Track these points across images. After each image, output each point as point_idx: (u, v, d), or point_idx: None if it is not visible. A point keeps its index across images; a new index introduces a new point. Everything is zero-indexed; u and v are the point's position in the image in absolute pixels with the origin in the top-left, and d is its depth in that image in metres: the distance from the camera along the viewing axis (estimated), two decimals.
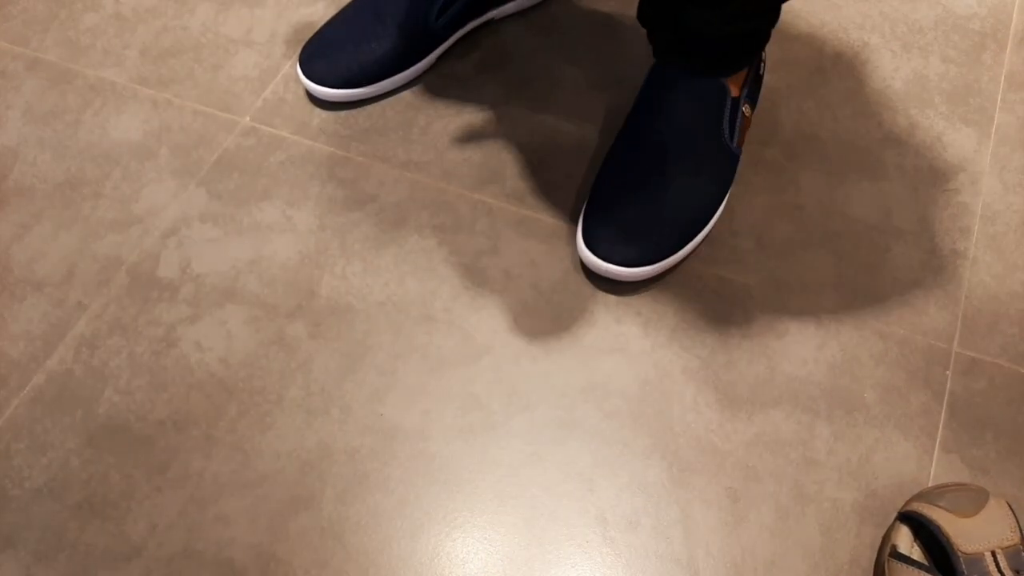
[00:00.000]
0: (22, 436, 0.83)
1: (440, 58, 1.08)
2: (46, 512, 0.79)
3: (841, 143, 1.00)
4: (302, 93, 1.06)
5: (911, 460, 0.81)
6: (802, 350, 0.87)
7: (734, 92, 0.93)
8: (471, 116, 1.04)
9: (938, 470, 0.80)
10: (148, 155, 1.02)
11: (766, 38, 0.92)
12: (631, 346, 0.87)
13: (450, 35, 1.06)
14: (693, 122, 0.91)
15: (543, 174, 0.99)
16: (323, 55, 1.02)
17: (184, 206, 0.97)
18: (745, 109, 0.94)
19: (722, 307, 0.90)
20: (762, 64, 0.97)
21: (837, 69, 1.07)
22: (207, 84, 1.07)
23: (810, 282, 0.91)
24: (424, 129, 1.03)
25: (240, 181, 0.99)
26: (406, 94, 1.06)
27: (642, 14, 0.92)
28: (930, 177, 0.98)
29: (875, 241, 0.93)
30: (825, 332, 0.88)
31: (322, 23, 1.09)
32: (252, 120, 1.04)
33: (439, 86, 1.06)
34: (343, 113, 1.04)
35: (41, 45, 1.12)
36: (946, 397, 0.84)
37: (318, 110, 1.05)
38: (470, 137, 1.02)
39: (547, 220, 0.96)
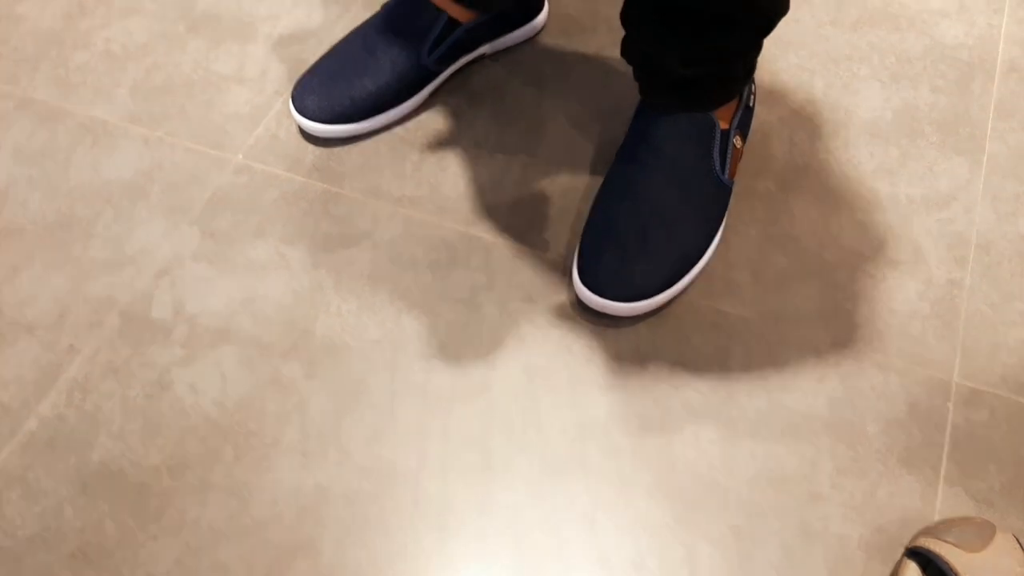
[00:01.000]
0: (14, 484, 0.80)
1: (433, 93, 1.06)
2: (39, 563, 0.76)
3: (833, 174, 0.99)
4: (295, 130, 1.04)
5: (916, 494, 0.79)
6: (802, 383, 0.85)
7: (723, 125, 0.91)
8: (465, 151, 1.02)
9: (943, 504, 0.78)
10: (140, 194, 0.99)
11: (751, 70, 0.91)
12: (630, 382, 0.85)
13: (443, 71, 1.04)
14: (683, 156, 0.89)
15: (537, 208, 0.97)
16: (316, 91, 1.00)
17: (177, 245, 0.95)
18: (736, 141, 0.92)
19: (721, 341, 0.88)
20: (752, 95, 0.95)
21: (828, 100, 1.05)
22: (199, 121, 1.05)
23: (807, 314, 0.89)
24: (417, 165, 1.01)
25: (233, 219, 0.97)
26: (399, 130, 1.04)
27: (625, 51, 0.91)
28: (923, 207, 0.96)
29: (871, 272, 0.91)
30: (824, 365, 0.86)
31: (314, 59, 1.07)
32: (245, 157, 1.01)
33: (432, 121, 1.04)
34: (336, 149, 1.02)
35: (31, 84, 1.09)
36: (948, 429, 0.82)
37: (311, 147, 1.03)
38: (464, 172, 1.00)
39: (542, 255, 0.94)
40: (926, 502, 0.78)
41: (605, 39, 1.12)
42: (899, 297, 0.90)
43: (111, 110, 1.07)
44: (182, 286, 0.92)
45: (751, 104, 0.95)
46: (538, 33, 1.11)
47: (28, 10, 1.17)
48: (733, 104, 0.92)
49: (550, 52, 1.11)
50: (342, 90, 1.00)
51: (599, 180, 0.99)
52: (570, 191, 0.98)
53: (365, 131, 1.02)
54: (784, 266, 0.92)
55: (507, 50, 1.10)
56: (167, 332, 0.89)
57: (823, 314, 0.89)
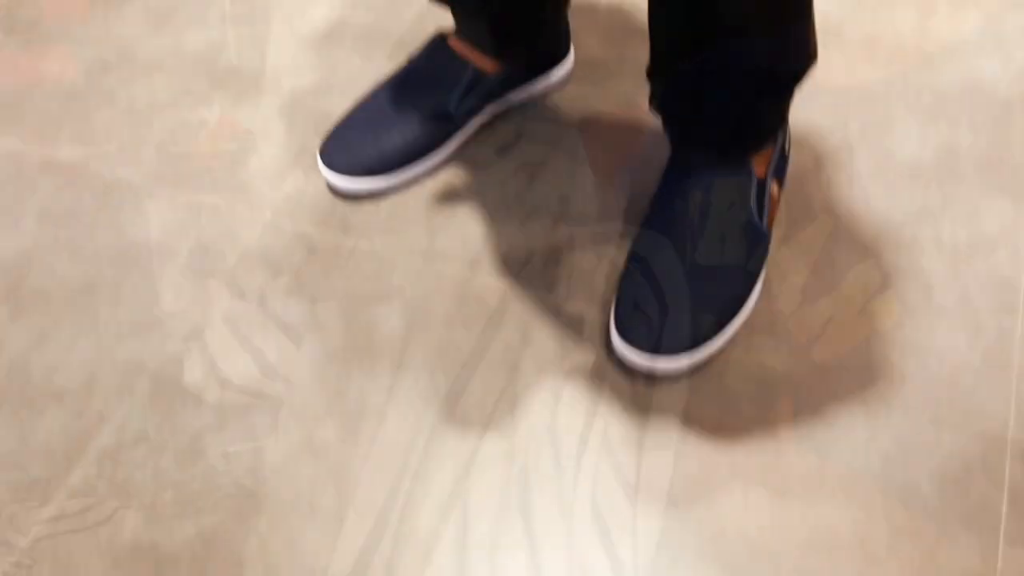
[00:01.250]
0: (44, 559, 0.79)
1: (460, 145, 1.04)
2: None
3: (875, 219, 0.96)
4: (323, 185, 1.02)
5: (975, 555, 0.76)
6: (853, 440, 0.82)
7: (759, 172, 0.89)
8: (494, 203, 1.00)
9: (1005, 565, 0.75)
10: (168, 255, 0.98)
11: (784, 117, 0.89)
12: (674, 441, 0.83)
13: (470, 121, 1.02)
14: (719, 206, 0.87)
15: (570, 260, 0.95)
16: (343, 146, 0.99)
17: (206, 307, 0.94)
18: (773, 188, 0.90)
19: (766, 396, 0.85)
20: (786, 140, 0.93)
21: (865, 142, 1.03)
22: (225, 179, 1.04)
23: (854, 366, 0.86)
24: (448, 218, 0.99)
25: (263, 278, 0.95)
26: (428, 182, 1.03)
27: (653, 104, 0.89)
28: (968, 252, 0.94)
29: (918, 321, 0.89)
30: (875, 420, 0.83)
31: (340, 113, 1.06)
32: (273, 215, 1.00)
33: (461, 173, 1.03)
34: (365, 204, 1.01)
35: (55, 143, 1.08)
36: (1006, 486, 0.79)
37: (340, 202, 1.01)
38: (494, 225, 0.98)
39: (578, 308, 0.92)
40: (987, 564, 0.75)
41: (632, 84, 1.11)
42: (948, 347, 0.87)
43: (137, 169, 1.06)
44: (213, 349, 0.91)
45: (786, 150, 0.93)
46: (565, 80, 1.09)
47: (50, 67, 1.17)
48: (768, 151, 0.90)
49: (577, 99, 1.09)
50: (370, 144, 0.98)
51: (633, 230, 0.97)
52: (604, 242, 0.96)
53: (394, 185, 1.01)
54: (829, 315, 0.90)
55: (534, 98, 1.08)
56: (199, 397, 0.88)
57: (870, 366, 0.87)
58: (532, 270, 0.95)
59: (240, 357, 0.90)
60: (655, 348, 0.84)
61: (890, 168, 1.01)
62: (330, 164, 0.99)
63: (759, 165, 0.90)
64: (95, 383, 0.89)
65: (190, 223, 1.01)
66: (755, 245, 0.88)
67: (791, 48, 0.81)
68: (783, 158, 0.93)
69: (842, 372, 0.86)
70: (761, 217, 0.89)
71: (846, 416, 0.83)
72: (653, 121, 1.06)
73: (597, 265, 0.95)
